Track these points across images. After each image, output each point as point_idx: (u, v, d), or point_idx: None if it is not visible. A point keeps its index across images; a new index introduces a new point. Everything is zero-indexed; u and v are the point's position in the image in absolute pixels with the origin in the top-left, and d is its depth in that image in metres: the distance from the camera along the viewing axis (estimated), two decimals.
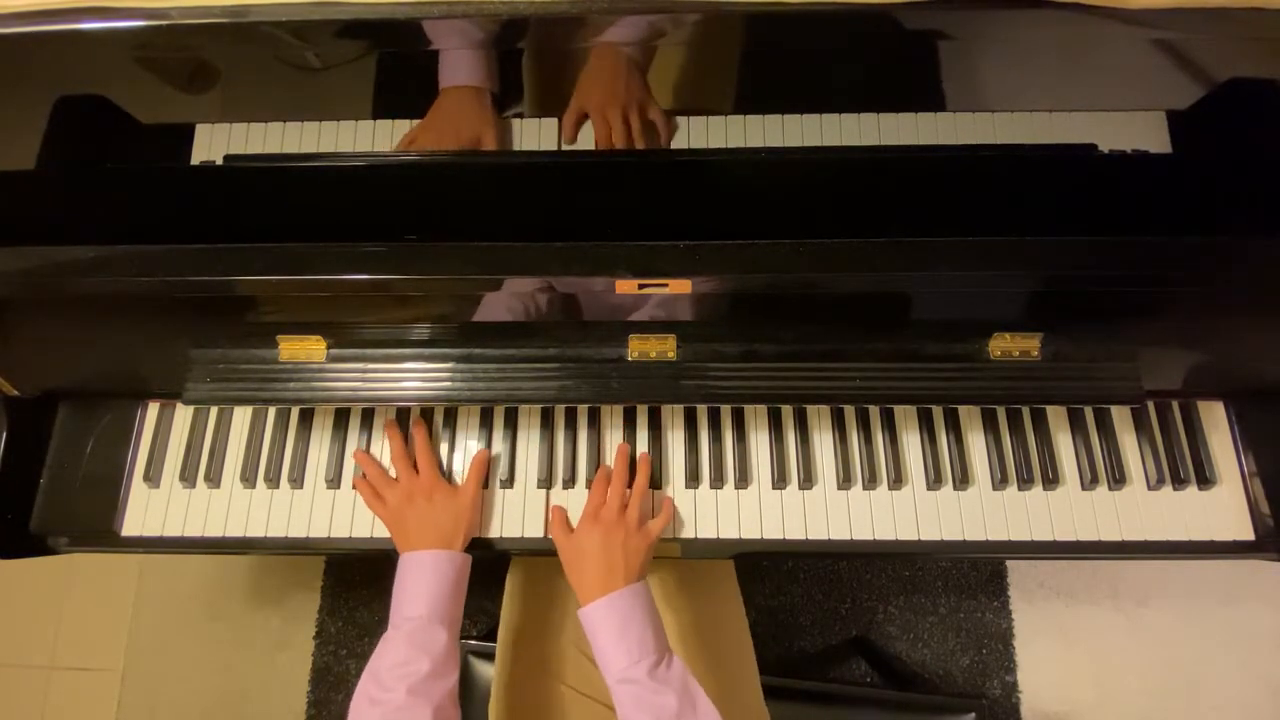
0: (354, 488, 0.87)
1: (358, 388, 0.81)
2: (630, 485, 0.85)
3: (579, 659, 0.90)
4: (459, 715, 0.74)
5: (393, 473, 0.87)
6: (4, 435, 0.86)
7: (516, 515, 0.87)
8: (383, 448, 0.90)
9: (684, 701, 0.70)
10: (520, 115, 0.76)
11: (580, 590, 0.78)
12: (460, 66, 0.69)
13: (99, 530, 0.88)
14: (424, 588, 0.77)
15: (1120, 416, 0.90)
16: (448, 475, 0.88)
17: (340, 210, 0.78)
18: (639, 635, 0.73)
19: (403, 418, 0.91)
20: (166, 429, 0.92)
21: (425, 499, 0.82)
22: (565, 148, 0.76)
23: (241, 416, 0.92)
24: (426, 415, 0.91)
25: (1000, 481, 0.87)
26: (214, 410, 0.92)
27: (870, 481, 0.87)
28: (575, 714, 0.88)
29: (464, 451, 0.90)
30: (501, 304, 0.77)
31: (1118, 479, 0.87)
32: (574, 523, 0.84)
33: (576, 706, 0.88)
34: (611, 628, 0.74)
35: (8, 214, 0.76)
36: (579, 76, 0.71)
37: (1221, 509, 0.86)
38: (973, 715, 0.99)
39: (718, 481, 0.87)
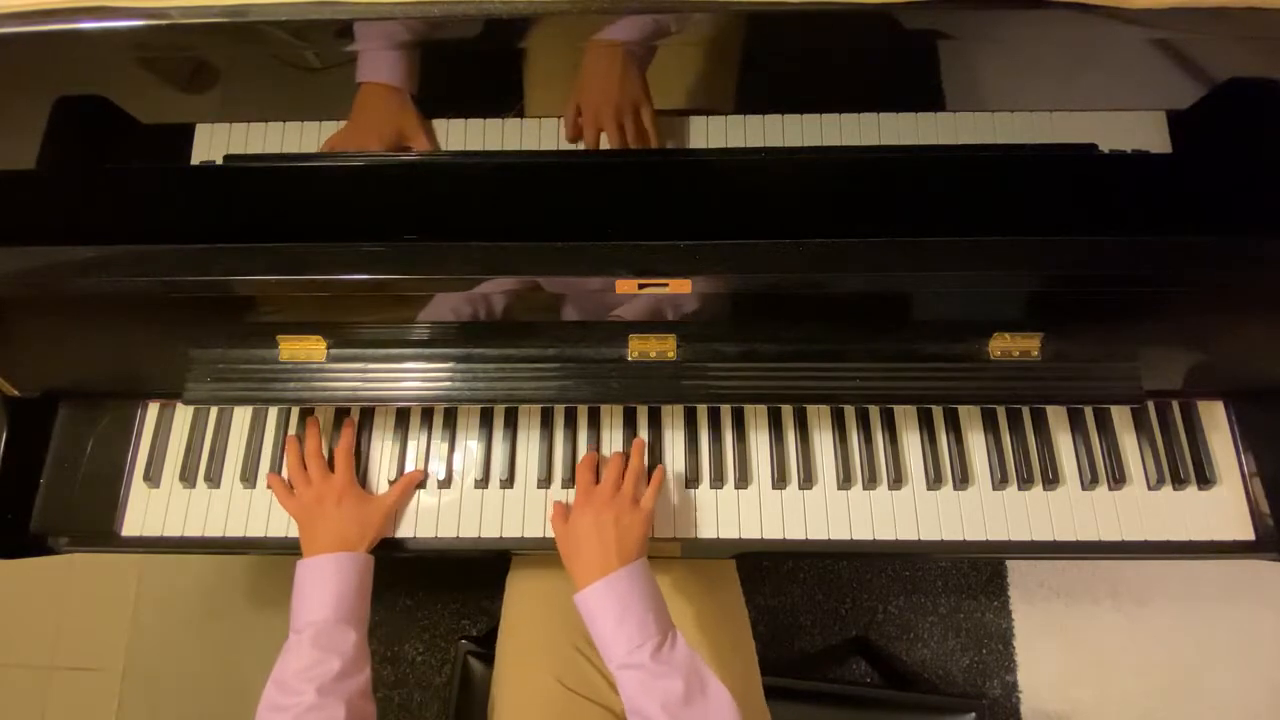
0: (268, 485, 0.87)
1: (358, 388, 0.81)
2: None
3: (579, 659, 0.90)
4: (373, 708, 0.74)
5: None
6: (4, 435, 0.86)
7: (516, 515, 0.87)
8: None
9: (692, 684, 0.69)
10: (520, 114, 0.76)
11: (578, 576, 0.76)
12: (380, 63, 0.68)
13: (99, 530, 0.88)
14: (328, 591, 0.76)
15: (1120, 416, 0.90)
16: (447, 476, 0.88)
17: (340, 210, 0.78)
18: (639, 618, 0.72)
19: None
20: (166, 429, 0.92)
21: (334, 503, 0.82)
22: (565, 147, 0.76)
23: (241, 416, 0.92)
24: (427, 415, 0.91)
25: (1000, 481, 0.87)
26: (214, 410, 0.92)
27: (870, 481, 0.87)
28: (575, 714, 0.87)
29: (464, 451, 0.90)
30: (499, 304, 0.77)
31: (1118, 479, 0.87)
32: None
33: (576, 707, 0.88)
34: (610, 612, 0.72)
35: (8, 214, 0.76)
36: (578, 74, 0.71)
37: (1221, 509, 0.86)
38: (973, 715, 0.99)
39: (718, 481, 0.87)
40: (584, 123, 0.73)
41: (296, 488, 0.85)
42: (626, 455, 0.86)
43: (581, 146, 0.76)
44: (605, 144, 0.74)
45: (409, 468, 0.89)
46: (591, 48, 0.66)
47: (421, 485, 0.89)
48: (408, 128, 0.73)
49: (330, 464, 0.87)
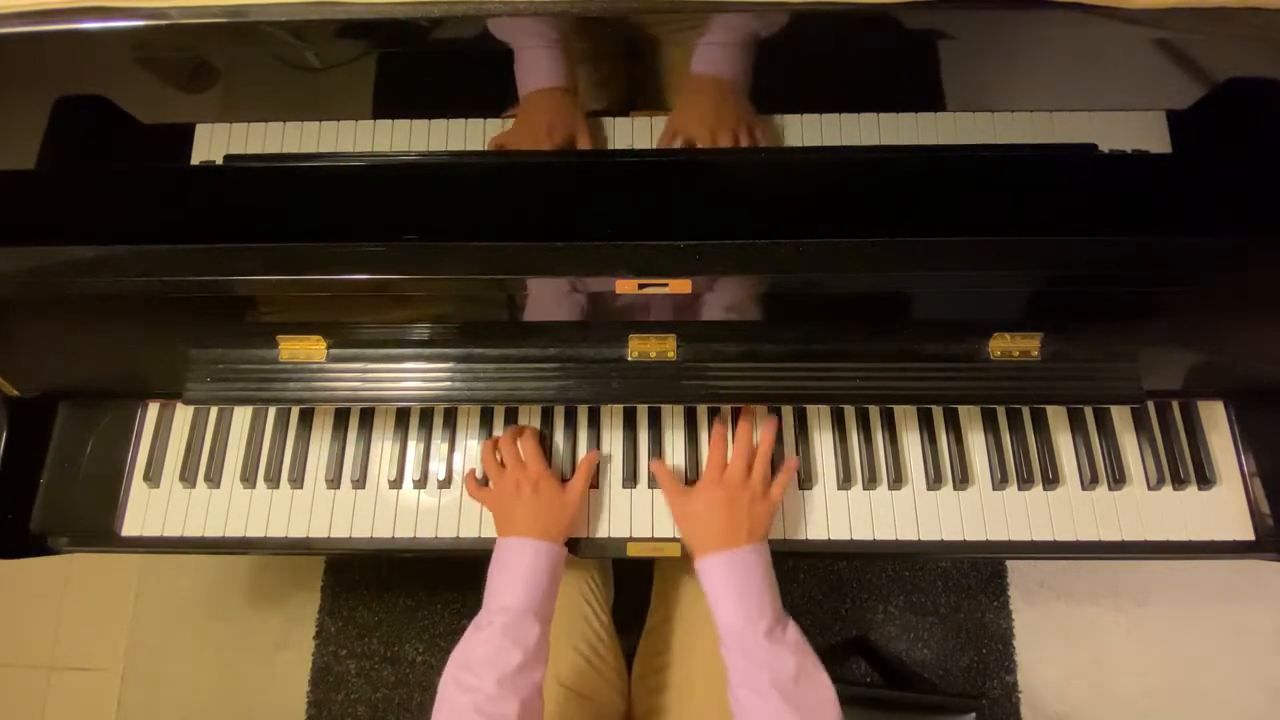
0: (464, 481, 0.88)
1: (358, 388, 0.81)
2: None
3: (578, 659, 0.90)
4: (542, 707, 0.74)
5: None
6: (4, 435, 0.86)
7: None
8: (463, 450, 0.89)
9: (803, 666, 0.71)
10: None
11: (701, 545, 0.78)
12: (541, 68, 0.69)
13: (99, 530, 0.88)
14: (521, 577, 0.76)
15: (1120, 416, 0.90)
16: (447, 476, 0.89)
17: (340, 210, 0.78)
18: (758, 596, 0.74)
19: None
20: (166, 429, 0.92)
21: (531, 489, 0.82)
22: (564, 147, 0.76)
23: (241, 416, 0.92)
24: (427, 415, 0.91)
25: (1000, 481, 0.87)
26: (214, 410, 0.92)
27: (870, 481, 0.87)
28: (575, 713, 0.88)
29: (464, 451, 0.90)
30: (501, 303, 0.77)
31: (1118, 479, 0.87)
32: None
33: (576, 705, 0.88)
34: (731, 585, 0.74)
35: (8, 214, 0.76)
36: (677, 104, 0.72)
37: (1221, 509, 0.86)
38: (973, 715, 0.99)
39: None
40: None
41: (492, 477, 0.85)
42: (753, 417, 0.86)
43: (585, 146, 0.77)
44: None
45: (409, 468, 0.89)
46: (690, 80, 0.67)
47: (422, 485, 0.89)
48: (577, 126, 0.74)
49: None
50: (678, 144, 0.75)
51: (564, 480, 0.88)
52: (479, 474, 0.88)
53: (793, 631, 0.73)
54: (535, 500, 0.81)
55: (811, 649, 0.73)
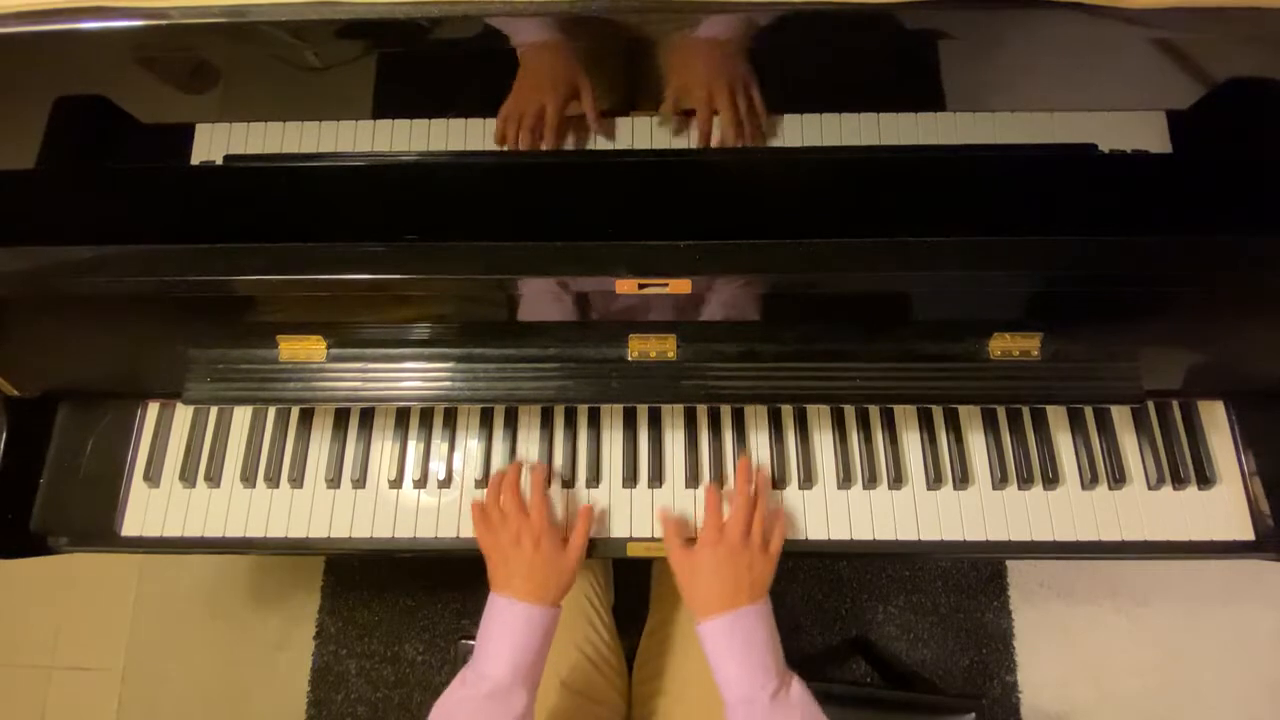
0: (472, 510, 0.84)
1: (358, 388, 0.81)
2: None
3: (581, 659, 0.90)
4: None
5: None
6: (4, 435, 0.86)
7: None
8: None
9: None
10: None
11: (701, 607, 0.77)
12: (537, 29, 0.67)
13: (99, 530, 0.88)
14: (514, 645, 0.75)
15: (1120, 416, 0.90)
16: (447, 476, 0.89)
17: (340, 210, 0.78)
18: (761, 659, 0.73)
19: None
20: (166, 429, 0.92)
21: (533, 545, 0.80)
22: (564, 148, 0.76)
23: (241, 416, 0.92)
24: (427, 415, 0.91)
25: (1000, 481, 0.87)
26: (214, 410, 0.92)
27: (870, 481, 0.87)
28: (576, 714, 0.88)
29: (464, 451, 0.90)
30: (501, 303, 0.77)
31: (1118, 479, 0.87)
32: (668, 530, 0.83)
33: (578, 707, 0.88)
34: (734, 650, 0.73)
35: (8, 214, 0.76)
36: (676, 69, 0.70)
37: (1221, 509, 0.86)
38: (973, 715, 0.99)
39: (717, 482, 0.87)
40: (698, 118, 0.73)
41: (494, 521, 0.82)
42: (749, 470, 0.86)
43: (583, 146, 0.76)
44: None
45: (409, 468, 0.89)
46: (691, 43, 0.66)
47: (422, 485, 0.89)
48: (577, 77, 0.72)
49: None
50: (679, 107, 0.74)
51: (566, 482, 0.88)
52: (480, 482, 0.88)
53: (797, 688, 0.73)
54: (535, 557, 0.79)
55: (816, 704, 0.73)
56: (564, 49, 0.69)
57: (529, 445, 0.90)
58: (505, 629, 0.76)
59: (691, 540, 0.83)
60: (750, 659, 0.73)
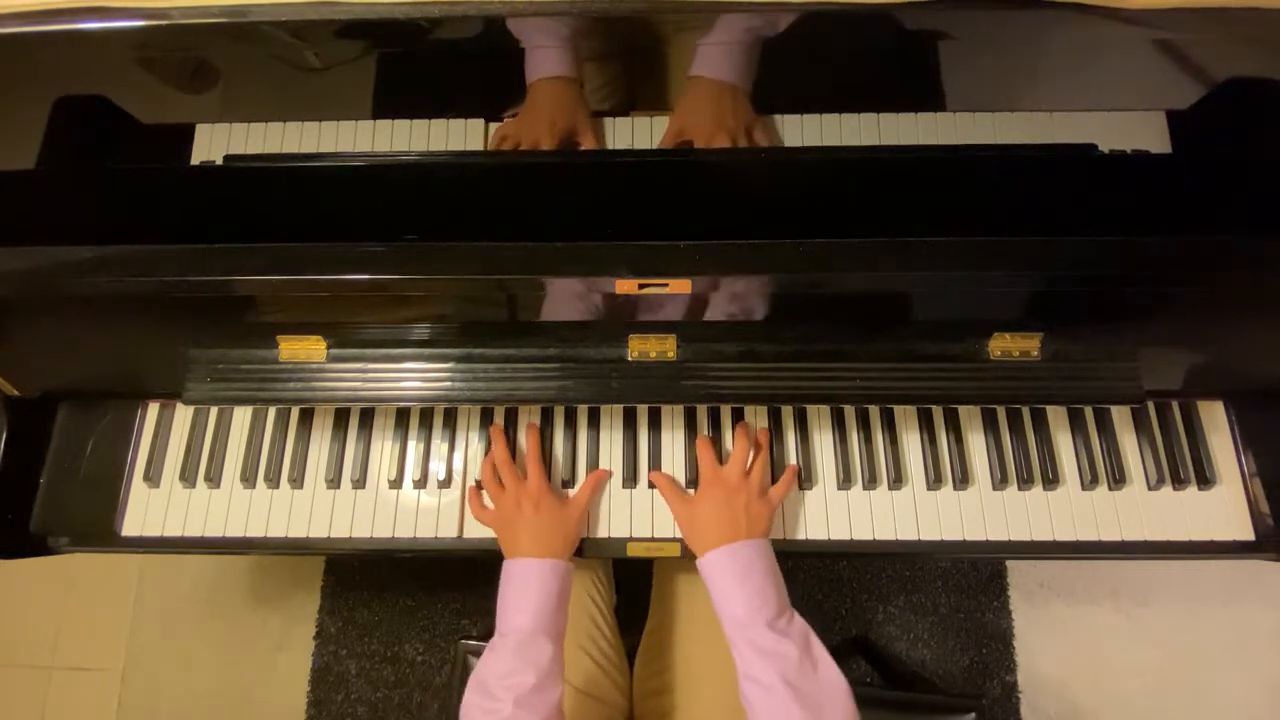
0: (470, 500, 0.87)
1: (358, 388, 0.81)
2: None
3: (585, 659, 0.90)
4: None
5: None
6: (4, 435, 0.86)
7: None
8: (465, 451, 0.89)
9: (805, 655, 0.71)
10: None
11: (699, 543, 0.79)
12: (548, 58, 0.69)
13: (99, 530, 0.88)
14: (529, 598, 0.76)
15: (1120, 416, 0.90)
16: (447, 476, 0.89)
17: (340, 210, 0.78)
18: (759, 586, 0.74)
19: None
20: (166, 429, 0.92)
21: (533, 508, 0.81)
22: (563, 147, 0.76)
23: (241, 416, 0.92)
24: (427, 415, 0.91)
25: (1000, 481, 0.87)
26: (214, 410, 0.92)
27: (870, 481, 0.87)
28: (581, 713, 0.88)
29: (464, 451, 0.90)
30: (501, 303, 0.77)
31: (1118, 479, 0.87)
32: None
33: (578, 705, 0.88)
34: (731, 576, 0.75)
35: (8, 214, 0.76)
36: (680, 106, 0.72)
37: (1221, 509, 0.86)
38: (973, 715, 0.99)
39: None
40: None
41: (493, 497, 0.84)
42: (748, 429, 0.87)
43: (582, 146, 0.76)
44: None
45: (409, 468, 0.89)
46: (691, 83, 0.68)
47: (422, 485, 0.89)
48: (579, 120, 0.75)
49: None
50: (679, 143, 0.75)
51: (565, 483, 0.88)
52: (478, 478, 0.88)
53: (798, 622, 0.74)
54: (537, 518, 0.81)
55: (818, 639, 0.73)
56: (572, 94, 0.71)
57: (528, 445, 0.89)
58: (520, 587, 0.77)
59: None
60: (749, 585, 0.74)
